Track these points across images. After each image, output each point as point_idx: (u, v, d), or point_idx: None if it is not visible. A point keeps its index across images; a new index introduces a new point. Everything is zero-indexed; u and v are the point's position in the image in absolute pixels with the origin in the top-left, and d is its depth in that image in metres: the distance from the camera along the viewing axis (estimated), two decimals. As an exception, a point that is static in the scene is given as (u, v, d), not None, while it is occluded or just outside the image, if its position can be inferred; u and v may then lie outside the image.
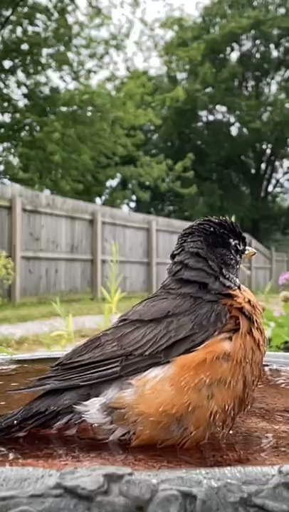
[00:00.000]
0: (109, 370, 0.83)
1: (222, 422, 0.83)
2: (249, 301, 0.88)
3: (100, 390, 0.84)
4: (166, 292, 0.90)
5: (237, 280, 0.92)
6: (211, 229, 0.93)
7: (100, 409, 0.82)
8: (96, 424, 0.84)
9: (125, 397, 0.81)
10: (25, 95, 20.19)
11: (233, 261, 0.93)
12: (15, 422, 0.84)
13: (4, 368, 1.41)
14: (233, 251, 0.94)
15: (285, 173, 36.22)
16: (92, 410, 0.83)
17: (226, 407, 0.82)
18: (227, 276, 0.90)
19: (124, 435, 0.82)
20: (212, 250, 0.91)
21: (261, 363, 0.88)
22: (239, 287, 0.91)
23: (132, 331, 0.86)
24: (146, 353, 0.82)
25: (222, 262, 0.91)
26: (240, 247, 0.95)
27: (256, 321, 0.87)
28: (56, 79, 29.29)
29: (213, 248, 0.92)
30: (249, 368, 0.84)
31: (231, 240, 0.94)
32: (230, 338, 0.83)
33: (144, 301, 0.91)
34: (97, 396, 0.83)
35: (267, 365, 1.41)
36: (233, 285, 0.90)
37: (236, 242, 0.94)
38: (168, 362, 0.81)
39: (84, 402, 0.84)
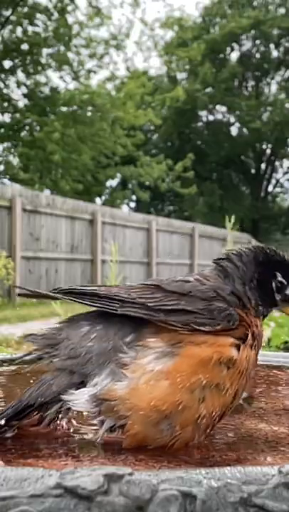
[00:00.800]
0: (110, 306, 0.84)
1: (206, 427, 0.83)
2: (257, 326, 0.88)
3: (90, 371, 0.82)
4: (197, 280, 0.89)
5: (260, 308, 0.90)
6: (268, 251, 0.94)
7: (89, 400, 0.81)
8: (85, 413, 0.83)
9: (117, 389, 0.80)
10: (25, 95, 20.16)
11: (268, 290, 0.92)
12: (5, 419, 0.84)
13: (4, 368, 1.41)
14: (274, 284, 0.93)
15: (285, 173, 36.19)
16: (81, 400, 0.82)
17: (213, 413, 0.82)
18: (250, 293, 0.90)
19: (113, 430, 0.81)
20: (254, 265, 0.92)
21: (251, 379, 0.89)
22: (257, 312, 0.90)
23: (144, 289, 0.86)
24: (149, 304, 0.83)
25: (254, 279, 0.91)
26: (287, 291, 0.94)
27: (257, 342, 0.88)
28: (56, 79, 29.28)
29: (256, 265, 0.92)
30: (245, 380, 0.85)
31: (278, 274, 0.93)
32: (237, 347, 0.83)
33: (171, 277, 0.93)
34: (84, 382, 0.82)
35: (267, 365, 1.41)
36: (248, 304, 0.89)
37: (283, 280, 0.93)
38: (171, 351, 0.80)
39: (73, 391, 0.82)
